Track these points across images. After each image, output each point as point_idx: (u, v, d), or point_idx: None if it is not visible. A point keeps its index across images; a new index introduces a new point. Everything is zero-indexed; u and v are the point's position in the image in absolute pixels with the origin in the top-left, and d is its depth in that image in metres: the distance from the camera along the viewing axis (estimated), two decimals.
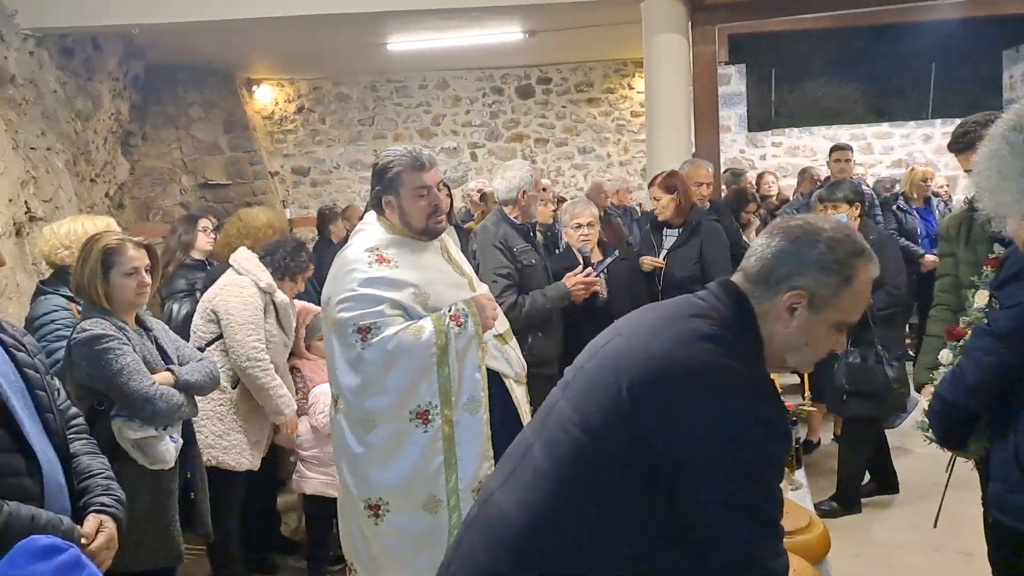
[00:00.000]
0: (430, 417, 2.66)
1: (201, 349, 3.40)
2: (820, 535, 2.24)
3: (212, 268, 4.23)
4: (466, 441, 2.68)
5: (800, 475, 2.72)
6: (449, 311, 2.72)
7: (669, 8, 6.31)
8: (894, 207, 6.48)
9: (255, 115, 10.11)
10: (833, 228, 1.51)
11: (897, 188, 6.87)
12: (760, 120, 11.55)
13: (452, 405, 2.68)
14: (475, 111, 10.41)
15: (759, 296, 1.51)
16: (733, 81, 10.76)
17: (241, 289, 3.55)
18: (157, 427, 2.66)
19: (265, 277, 3.61)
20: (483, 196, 6.06)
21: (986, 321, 2.18)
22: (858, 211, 4.15)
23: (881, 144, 10.71)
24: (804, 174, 7.62)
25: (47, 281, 3.38)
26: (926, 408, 2.42)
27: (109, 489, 2.04)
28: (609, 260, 4.03)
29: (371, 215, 2.89)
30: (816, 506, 3.48)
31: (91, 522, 1.95)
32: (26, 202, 5.60)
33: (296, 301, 3.86)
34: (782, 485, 1.65)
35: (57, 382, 2.16)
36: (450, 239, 3.12)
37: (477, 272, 3.27)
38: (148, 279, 2.76)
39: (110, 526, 1.97)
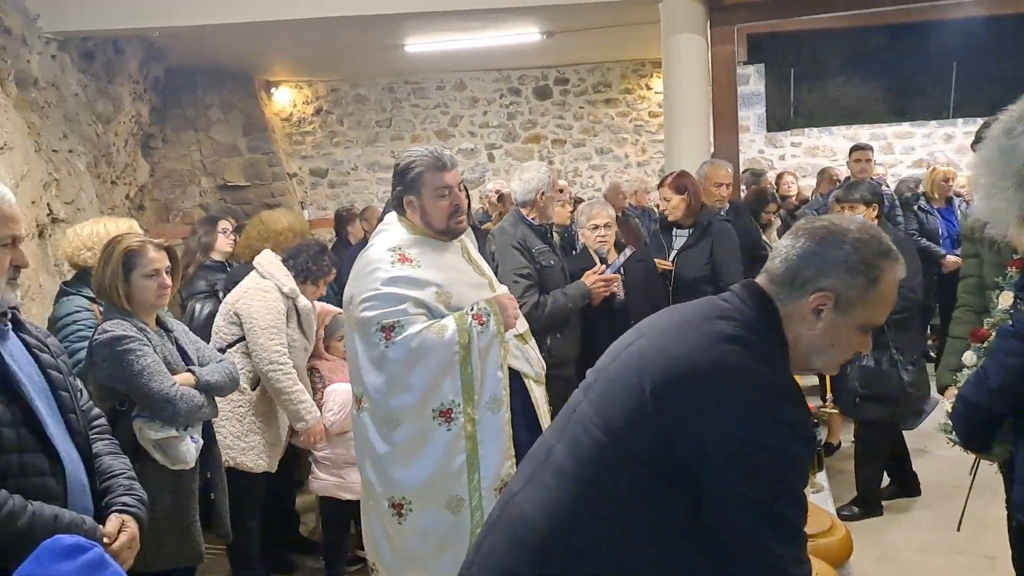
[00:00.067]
0: (453, 415, 2.67)
1: (222, 350, 3.42)
2: (842, 538, 2.23)
3: (233, 269, 4.26)
4: (488, 440, 2.69)
5: (821, 478, 2.70)
6: (471, 310, 2.73)
7: (688, 8, 6.28)
8: (915, 207, 6.42)
9: (273, 117, 10.17)
10: (859, 229, 1.50)
11: (920, 188, 6.80)
12: (779, 120, 11.46)
13: (475, 404, 2.69)
14: (492, 112, 10.41)
15: (784, 298, 1.50)
16: (752, 81, 10.69)
17: (264, 293, 3.56)
18: (178, 428, 2.68)
19: (288, 282, 3.62)
20: (500, 197, 6.06)
21: (1010, 322, 2.16)
22: (876, 212, 4.10)
23: (902, 144, 10.60)
24: (823, 174, 7.57)
25: (70, 282, 3.42)
26: (949, 410, 2.40)
27: (131, 489, 2.05)
28: (624, 258, 4.02)
29: (392, 215, 2.90)
30: (837, 511, 3.45)
31: (113, 522, 1.96)
32: (48, 204, 5.65)
33: (315, 302, 3.88)
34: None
35: (79, 383, 2.17)
36: (469, 240, 3.13)
37: (496, 273, 3.28)
38: (169, 281, 2.78)
39: (132, 526, 1.99)
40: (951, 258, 6.00)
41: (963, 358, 2.68)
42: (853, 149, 6.53)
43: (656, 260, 4.30)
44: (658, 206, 5.13)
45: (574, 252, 4.57)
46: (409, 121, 10.43)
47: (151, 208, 9.10)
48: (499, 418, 2.72)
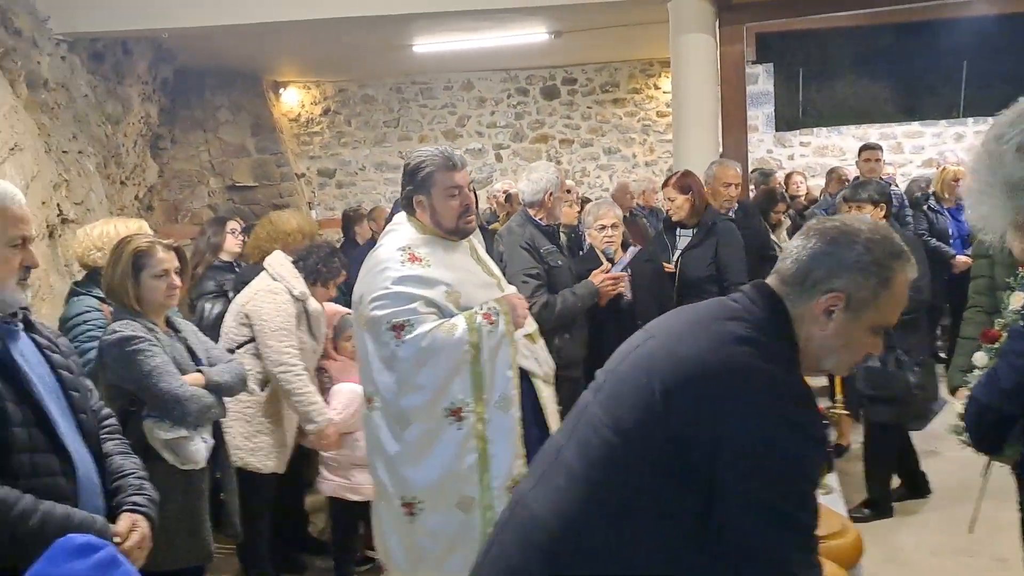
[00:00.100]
0: (463, 414, 2.67)
1: (231, 351, 3.42)
2: (853, 540, 2.22)
3: (241, 270, 4.27)
4: (498, 439, 2.69)
5: (832, 479, 2.69)
6: (481, 309, 2.73)
7: (696, 8, 6.26)
8: (925, 207, 6.39)
9: (282, 117, 10.19)
10: (871, 229, 1.49)
11: (930, 188, 6.77)
12: (788, 119, 11.43)
13: (485, 403, 2.69)
14: (500, 112, 10.42)
15: (795, 298, 1.49)
16: (760, 80, 10.65)
17: (275, 296, 3.57)
18: (188, 427, 2.69)
19: (299, 285, 3.62)
20: (508, 197, 6.06)
21: (1022, 323, 2.14)
22: (883, 212, 4.07)
23: (911, 143, 10.55)
24: (832, 174, 7.55)
25: (80, 282, 3.43)
26: (960, 411, 2.38)
27: (142, 489, 2.06)
28: (631, 256, 4.01)
29: (401, 215, 2.91)
30: (848, 513, 3.44)
31: (124, 521, 1.97)
32: (58, 205, 5.68)
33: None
34: None
35: (90, 383, 2.18)
36: (477, 240, 3.14)
37: (504, 273, 3.28)
38: (178, 281, 2.79)
39: (143, 525, 1.99)
40: (961, 258, 5.96)
41: (974, 359, 2.67)
42: (862, 149, 6.51)
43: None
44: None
45: (580, 253, 4.57)
46: (417, 121, 10.44)
47: (160, 208, 9.13)
48: (509, 417, 2.72)
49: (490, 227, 5.15)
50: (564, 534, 1.45)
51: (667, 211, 4.48)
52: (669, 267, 4.23)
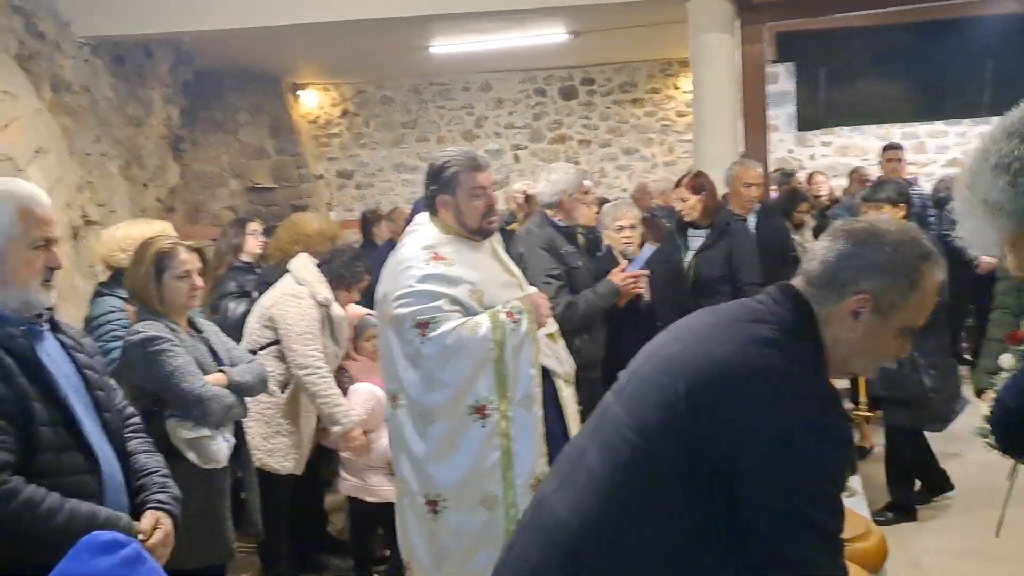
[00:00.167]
0: (487, 412, 2.68)
1: (253, 352, 3.44)
2: (877, 543, 2.20)
3: (263, 271, 4.29)
4: (522, 437, 2.70)
5: (855, 481, 2.67)
6: (504, 308, 2.74)
7: (716, 7, 6.23)
8: (947, 207, 6.31)
9: (300, 119, 10.24)
10: (899, 231, 1.47)
11: None
12: (809, 119, 11.31)
13: (508, 400, 2.70)
14: (518, 113, 10.40)
15: (821, 300, 1.48)
16: (781, 80, 10.55)
17: (299, 300, 3.58)
18: (210, 427, 2.70)
19: (324, 290, 3.63)
20: (528, 198, 6.04)
21: None
22: (903, 212, 4.03)
23: (935, 143, 10.42)
24: (854, 174, 7.48)
25: (105, 283, 3.48)
26: (986, 414, 2.35)
27: (165, 487, 2.08)
28: (648, 254, 4.00)
29: (424, 216, 2.92)
30: (872, 516, 3.41)
31: (148, 519, 1.99)
32: (82, 206, 5.74)
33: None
34: None
35: (114, 382, 2.20)
36: (496, 240, 3.14)
37: (524, 274, 3.28)
38: (200, 282, 2.81)
39: (167, 523, 2.01)
40: (985, 259, 5.89)
41: (1000, 360, 2.63)
42: (885, 148, 6.46)
43: None
44: None
45: (598, 254, 4.55)
46: (435, 122, 10.45)
47: (181, 210, 9.20)
48: (532, 415, 2.73)
49: (508, 228, 5.15)
50: (585, 534, 1.44)
51: (680, 212, 4.45)
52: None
